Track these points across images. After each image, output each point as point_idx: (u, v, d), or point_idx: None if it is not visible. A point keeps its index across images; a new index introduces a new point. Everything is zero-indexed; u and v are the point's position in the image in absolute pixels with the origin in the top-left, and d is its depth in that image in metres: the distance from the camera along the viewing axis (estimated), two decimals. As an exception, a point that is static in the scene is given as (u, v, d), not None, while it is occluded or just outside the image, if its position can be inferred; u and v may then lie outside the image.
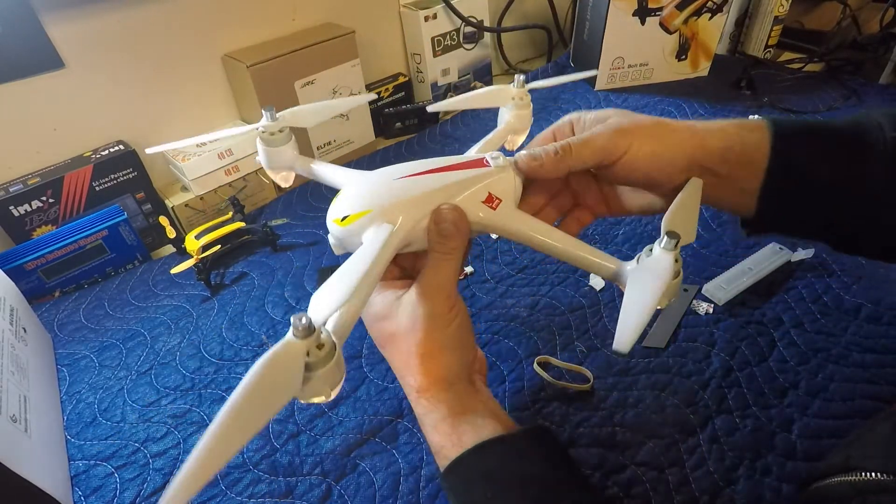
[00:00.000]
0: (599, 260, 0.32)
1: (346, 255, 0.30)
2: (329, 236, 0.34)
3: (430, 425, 0.33)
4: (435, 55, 0.89)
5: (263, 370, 0.23)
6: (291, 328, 0.24)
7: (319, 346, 0.25)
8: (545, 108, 0.92)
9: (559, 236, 0.34)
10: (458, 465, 0.31)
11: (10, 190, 0.59)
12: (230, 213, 0.66)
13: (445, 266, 0.32)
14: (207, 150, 0.69)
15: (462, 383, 0.34)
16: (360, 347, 0.51)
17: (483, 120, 0.90)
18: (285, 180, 0.43)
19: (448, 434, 0.32)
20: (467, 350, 0.34)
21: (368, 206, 0.32)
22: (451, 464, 0.31)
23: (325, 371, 0.25)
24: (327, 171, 0.39)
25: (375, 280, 0.31)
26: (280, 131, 0.40)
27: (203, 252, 0.60)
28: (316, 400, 0.27)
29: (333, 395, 0.28)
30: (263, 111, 0.39)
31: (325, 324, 0.26)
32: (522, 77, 0.44)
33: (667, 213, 0.31)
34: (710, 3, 0.87)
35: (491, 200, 0.34)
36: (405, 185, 0.34)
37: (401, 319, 0.33)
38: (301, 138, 0.77)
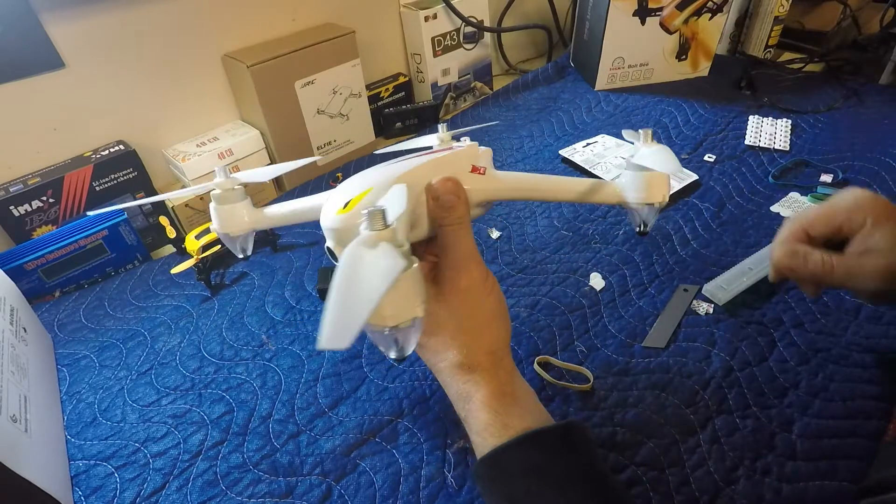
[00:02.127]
0: (597, 186, 0.36)
1: None
2: (326, 242, 0.32)
3: (480, 401, 0.32)
4: (435, 55, 0.90)
5: (360, 250, 0.24)
6: (367, 222, 0.24)
7: (398, 245, 0.25)
8: (545, 109, 0.92)
9: (549, 178, 0.37)
10: (501, 455, 0.30)
11: (10, 190, 0.59)
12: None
13: (463, 236, 0.32)
14: (207, 150, 0.69)
15: (508, 357, 0.34)
16: (360, 348, 0.51)
17: (483, 119, 0.90)
18: (243, 249, 0.40)
19: (498, 412, 0.31)
20: (507, 321, 0.34)
21: (370, 185, 0.32)
22: (493, 452, 0.30)
23: (413, 272, 0.25)
24: (298, 205, 0.38)
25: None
26: (233, 189, 0.38)
27: (203, 252, 0.60)
28: (406, 317, 0.26)
29: (419, 316, 0.27)
30: (216, 169, 0.38)
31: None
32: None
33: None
34: (710, 3, 0.87)
35: (477, 170, 0.36)
36: (397, 165, 0.35)
37: (438, 296, 0.33)
38: (301, 139, 0.77)
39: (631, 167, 0.37)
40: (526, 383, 0.35)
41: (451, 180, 0.33)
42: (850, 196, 0.40)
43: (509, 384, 0.33)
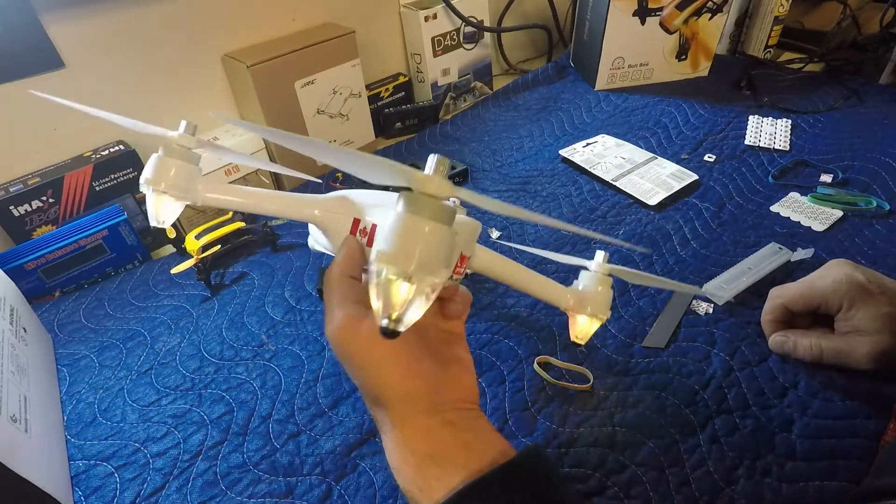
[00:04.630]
0: (550, 291, 0.38)
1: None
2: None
3: (392, 466, 0.30)
4: (435, 55, 0.89)
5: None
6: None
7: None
8: (545, 109, 0.92)
9: (516, 268, 0.38)
10: None
11: (10, 190, 0.59)
12: (230, 213, 0.66)
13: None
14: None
15: (419, 411, 0.29)
16: (360, 347, 0.51)
17: (483, 120, 0.90)
18: (160, 216, 0.34)
19: (414, 481, 0.28)
20: (420, 368, 0.30)
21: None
22: None
23: (452, 233, 0.25)
24: (255, 198, 0.34)
25: None
26: (191, 148, 0.34)
27: (203, 252, 0.60)
28: (426, 270, 0.23)
29: (437, 282, 0.24)
30: (184, 122, 0.34)
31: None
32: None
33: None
34: (710, 3, 0.87)
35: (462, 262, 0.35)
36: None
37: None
38: (301, 138, 0.76)
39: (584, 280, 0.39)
40: (468, 434, 0.30)
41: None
42: (829, 279, 0.43)
43: (426, 442, 0.29)
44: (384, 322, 0.23)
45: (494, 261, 0.36)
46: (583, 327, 0.38)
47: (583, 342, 0.38)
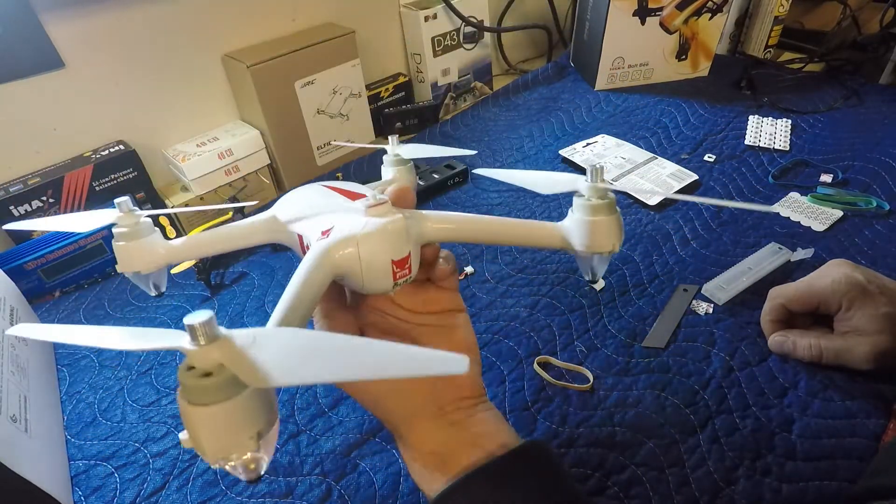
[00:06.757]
0: (539, 228, 0.32)
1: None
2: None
3: (409, 467, 0.32)
4: (435, 55, 0.89)
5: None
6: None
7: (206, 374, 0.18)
8: (545, 109, 0.92)
9: (486, 218, 0.33)
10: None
11: (10, 190, 0.59)
12: (230, 213, 0.66)
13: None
14: (207, 150, 0.69)
15: (423, 418, 0.31)
16: (360, 347, 0.51)
17: (483, 120, 0.90)
18: (156, 286, 0.37)
19: (422, 474, 0.31)
20: (413, 383, 0.31)
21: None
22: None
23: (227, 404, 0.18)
24: (225, 232, 0.36)
25: (307, 300, 0.27)
26: (139, 221, 0.34)
27: (203, 252, 0.60)
28: (231, 461, 0.20)
29: (260, 460, 0.20)
30: (117, 202, 0.34)
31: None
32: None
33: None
34: (710, 3, 0.87)
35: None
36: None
37: None
38: (301, 139, 0.76)
39: (577, 210, 0.30)
40: (479, 426, 0.31)
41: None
42: (828, 279, 0.43)
43: (431, 442, 0.30)
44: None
45: (453, 223, 0.31)
46: (595, 264, 0.32)
47: (596, 281, 0.33)
